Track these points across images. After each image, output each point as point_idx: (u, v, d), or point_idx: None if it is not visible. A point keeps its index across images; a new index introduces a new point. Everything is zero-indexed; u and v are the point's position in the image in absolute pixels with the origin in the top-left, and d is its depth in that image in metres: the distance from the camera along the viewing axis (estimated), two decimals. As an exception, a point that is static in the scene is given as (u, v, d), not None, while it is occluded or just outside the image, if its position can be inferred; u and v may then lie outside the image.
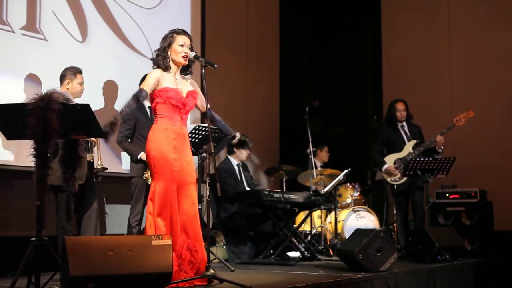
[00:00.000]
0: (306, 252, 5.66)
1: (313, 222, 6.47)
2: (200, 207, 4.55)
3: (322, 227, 6.46)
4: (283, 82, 8.82)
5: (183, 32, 3.85)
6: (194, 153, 3.98)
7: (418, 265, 5.05)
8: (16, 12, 5.10)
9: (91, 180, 4.44)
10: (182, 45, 3.78)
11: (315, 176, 6.51)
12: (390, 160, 6.12)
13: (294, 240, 5.71)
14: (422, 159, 5.78)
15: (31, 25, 5.21)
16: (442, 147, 5.98)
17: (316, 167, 6.68)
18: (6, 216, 5.05)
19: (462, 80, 7.80)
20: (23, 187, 4.73)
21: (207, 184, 3.72)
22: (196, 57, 3.82)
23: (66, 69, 4.54)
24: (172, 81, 3.79)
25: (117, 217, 5.65)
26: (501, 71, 7.50)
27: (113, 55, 5.92)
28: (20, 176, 4.85)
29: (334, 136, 8.39)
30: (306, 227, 6.42)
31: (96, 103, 5.42)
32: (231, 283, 3.47)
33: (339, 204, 6.48)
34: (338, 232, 6.25)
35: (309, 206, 5.91)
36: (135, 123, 4.98)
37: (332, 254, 5.96)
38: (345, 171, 6.29)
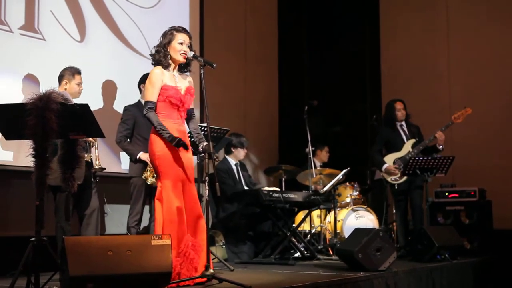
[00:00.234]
0: (305, 252, 5.66)
1: (313, 221, 6.46)
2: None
3: (321, 226, 6.45)
4: (282, 81, 8.82)
5: (183, 30, 3.86)
6: (193, 153, 4.00)
7: (417, 264, 5.05)
8: (15, 12, 5.09)
9: (89, 179, 4.44)
10: (181, 43, 3.80)
11: (314, 176, 6.50)
12: (389, 159, 6.12)
13: (293, 239, 5.71)
14: (421, 158, 5.78)
15: (30, 25, 5.21)
16: (442, 145, 5.98)
17: (315, 167, 6.68)
18: (6, 216, 5.05)
19: (461, 80, 7.80)
20: (22, 187, 4.72)
21: (207, 183, 3.72)
22: (195, 56, 3.83)
23: (65, 69, 4.54)
24: (171, 78, 3.81)
25: (117, 217, 5.65)
26: (500, 71, 7.50)
27: (111, 55, 5.91)
28: (19, 176, 4.85)
29: (333, 136, 8.39)
30: (305, 227, 6.41)
31: (95, 103, 5.42)
32: (230, 282, 3.47)
33: (338, 204, 6.48)
34: (338, 231, 6.25)
35: (309, 205, 5.90)
36: (134, 123, 4.97)
37: (331, 253, 5.96)
38: (344, 171, 6.29)
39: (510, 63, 7.44)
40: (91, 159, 4.46)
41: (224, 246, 5.76)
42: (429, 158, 5.79)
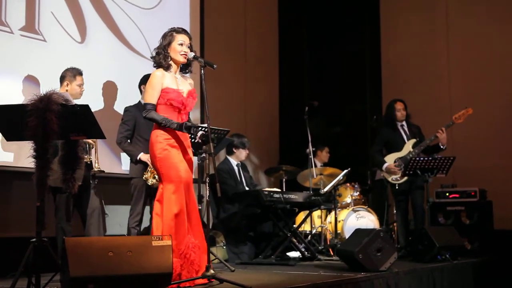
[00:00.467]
0: (306, 252, 5.66)
1: (313, 222, 6.46)
2: (200, 207, 4.56)
3: (322, 227, 6.45)
4: (282, 82, 8.82)
5: (182, 30, 3.86)
6: (193, 153, 4.00)
7: (418, 264, 5.05)
8: (15, 13, 5.09)
9: (89, 180, 4.44)
10: (181, 44, 3.80)
11: (315, 176, 6.51)
12: (390, 159, 6.12)
13: (294, 240, 5.71)
14: (421, 158, 5.78)
15: (30, 26, 5.21)
16: (445, 145, 5.98)
17: (315, 167, 6.68)
18: (6, 217, 5.05)
19: (461, 80, 7.80)
20: (23, 188, 4.73)
21: (207, 184, 3.73)
22: (195, 57, 3.83)
23: (66, 70, 4.54)
24: (173, 81, 3.80)
25: (117, 217, 5.65)
26: (499, 71, 7.50)
27: (112, 56, 5.91)
28: (20, 177, 4.85)
29: (334, 136, 8.39)
30: (306, 227, 6.41)
31: (95, 103, 5.42)
32: (231, 283, 3.47)
33: (339, 204, 6.48)
34: (338, 232, 6.25)
35: (309, 206, 5.90)
36: (134, 124, 4.97)
37: (332, 254, 5.96)
38: (345, 171, 6.29)
39: (510, 63, 7.44)
40: (91, 161, 4.46)
41: (224, 247, 5.76)
42: (430, 158, 5.79)
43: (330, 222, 6.40)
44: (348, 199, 6.73)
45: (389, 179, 6.10)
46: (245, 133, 6.50)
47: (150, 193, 4.84)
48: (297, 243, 5.72)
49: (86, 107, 3.25)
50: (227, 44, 7.71)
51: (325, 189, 6.29)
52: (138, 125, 4.95)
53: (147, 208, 4.97)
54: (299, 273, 4.44)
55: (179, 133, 3.76)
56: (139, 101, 5.06)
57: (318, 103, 6.97)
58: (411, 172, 5.81)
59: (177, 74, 3.86)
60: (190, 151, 3.86)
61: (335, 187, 6.32)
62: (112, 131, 4.94)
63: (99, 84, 5.70)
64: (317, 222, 6.56)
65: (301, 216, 6.28)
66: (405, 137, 6.19)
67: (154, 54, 3.84)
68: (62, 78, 4.52)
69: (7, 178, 5.01)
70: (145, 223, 5.05)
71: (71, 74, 4.50)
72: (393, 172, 6.06)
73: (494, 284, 5.89)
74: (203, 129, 3.71)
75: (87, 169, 4.37)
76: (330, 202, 6.25)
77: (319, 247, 6.19)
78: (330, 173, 6.66)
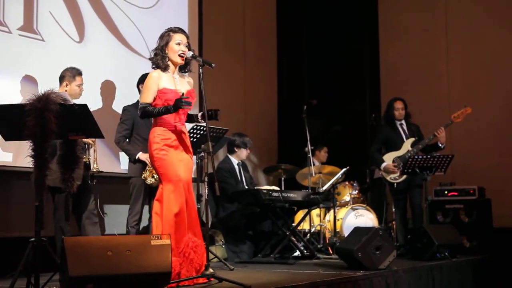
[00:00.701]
0: (305, 251, 5.67)
1: (312, 220, 6.47)
2: (199, 206, 4.56)
3: (321, 225, 6.46)
4: (281, 81, 8.81)
5: (179, 30, 3.85)
6: (192, 153, 4.00)
7: (417, 262, 5.05)
8: (13, 12, 5.09)
9: (87, 180, 4.44)
10: (179, 44, 3.79)
11: (313, 174, 6.51)
12: (388, 158, 6.12)
13: (293, 238, 5.71)
14: (420, 157, 5.79)
15: (28, 25, 5.21)
16: (443, 144, 5.98)
17: (314, 166, 6.68)
18: (5, 217, 5.05)
19: (460, 79, 7.80)
20: (22, 188, 4.73)
21: (206, 183, 3.73)
22: (193, 56, 3.82)
23: (66, 70, 4.54)
24: (170, 81, 3.79)
25: (116, 217, 5.65)
26: (498, 71, 7.50)
27: (110, 55, 5.91)
28: (19, 177, 4.85)
29: (333, 135, 8.40)
30: (305, 226, 6.42)
31: (94, 103, 5.42)
32: (230, 282, 3.47)
33: (338, 203, 6.48)
34: (337, 230, 6.26)
35: (308, 204, 5.90)
36: (133, 123, 4.97)
37: (331, 252, 5.96)
38: (344, 170, 6.30)
39: (509, 63, 7.45)
40: (89, 161, 4.46)
41: (223, 246, 5.76)
42: (428, 156, 5.79)
43: (329, 221, 6.41)
44: (347, 198, 6.74)
45: (388, 178, 6.11)
46: (244, 132, 6.49)
47: (149, 192, 4.85)
48: (296, 242, 5.73)
49: (84, 107, 3.24)
50: (226, 43, 7.71)
51: (324, 188, 6.29)
52: (136, 124, 4.95)
53: (146, 207, 4.98)
54: (298, 271, 4.44)
55: (178, 132, 3.76)
56: (138, 101, 5.06)
57: (317, 102, 6.97)
58: (409, 171, 5.82)
59: (175, 74, 3.85)
60: (189, 149, 3.85)
61: (334, 186, 6.33)
62: (111, 131, 4.94)
63: (97, 84, 5.70)
64: (316, 220, 6.57)
65: (300, 214, 6.28)
66: (403, 136, 6.19)
67: (152, 55, 3.84)
68: (62, 78, 4.52)
69: (5, 178, 5.01)
70: (144, 222, 5.05)
71: (71, 74, 4.50)
72: (391, 171, 6.07)
73: (493, 282, 5.90)
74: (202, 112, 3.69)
75: (85, 169, 4.37)
76: (329, 200, 6.25)
77: (318, 246, 6.20)
78: (329, 172, 6.67)
